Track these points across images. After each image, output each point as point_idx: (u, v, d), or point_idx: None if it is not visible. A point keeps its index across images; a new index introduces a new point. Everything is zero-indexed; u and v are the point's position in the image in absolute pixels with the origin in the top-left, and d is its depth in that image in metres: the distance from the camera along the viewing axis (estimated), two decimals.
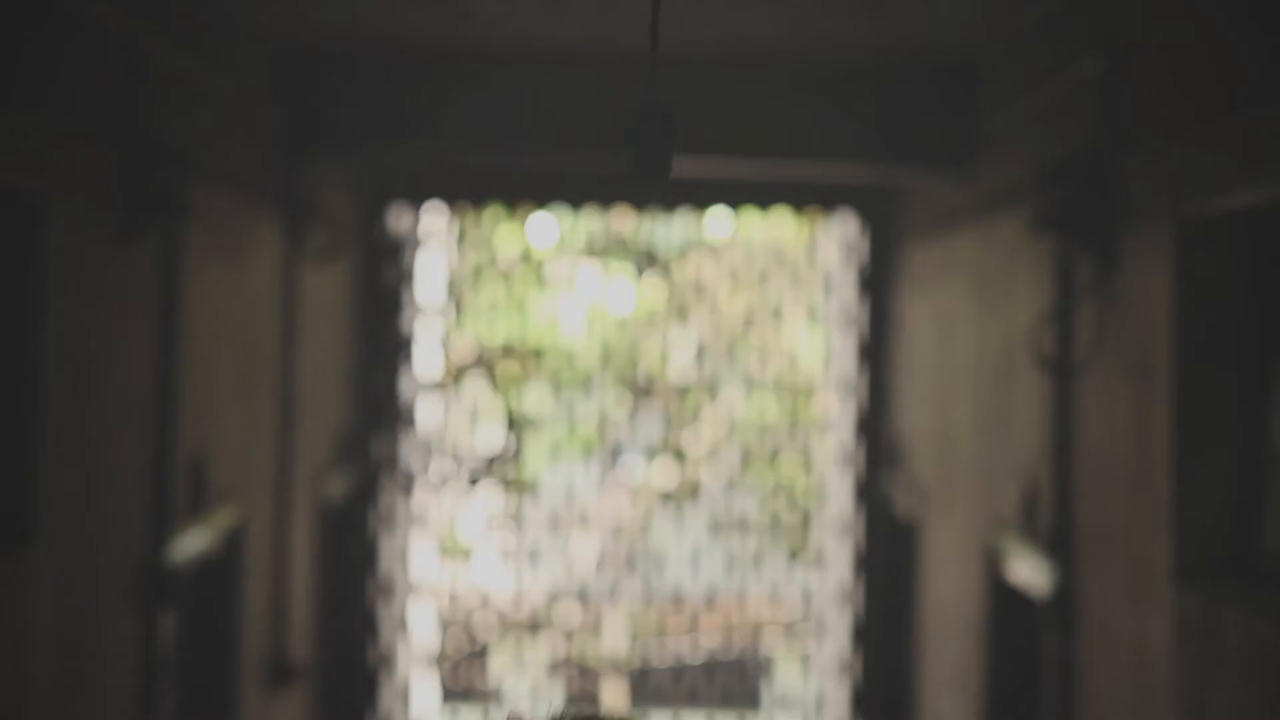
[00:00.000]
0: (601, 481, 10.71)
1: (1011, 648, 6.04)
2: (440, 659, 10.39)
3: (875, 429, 8.80)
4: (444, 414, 9.58)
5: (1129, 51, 4.77)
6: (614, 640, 11.43)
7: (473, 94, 6.72)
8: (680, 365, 10.19)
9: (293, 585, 7.07)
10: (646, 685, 11.80)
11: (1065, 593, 5.17)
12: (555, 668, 11.55)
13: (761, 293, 9.79)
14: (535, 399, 10.29)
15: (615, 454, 10.98)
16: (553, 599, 10.56)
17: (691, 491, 10.77)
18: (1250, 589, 4.07)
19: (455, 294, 9.56)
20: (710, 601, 10.11)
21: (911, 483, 7.93)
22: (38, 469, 4.25)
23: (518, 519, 9.90)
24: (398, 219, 8.83)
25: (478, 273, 9.62)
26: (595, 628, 11.28)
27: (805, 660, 10.05)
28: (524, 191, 8.61)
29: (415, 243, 8.99)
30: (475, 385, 10.17)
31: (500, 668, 11.92)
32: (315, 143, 6.78)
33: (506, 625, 10.64)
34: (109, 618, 4.87)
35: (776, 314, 9.80)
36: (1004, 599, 6.10)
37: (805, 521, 9.91)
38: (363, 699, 8.84)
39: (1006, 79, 6.12)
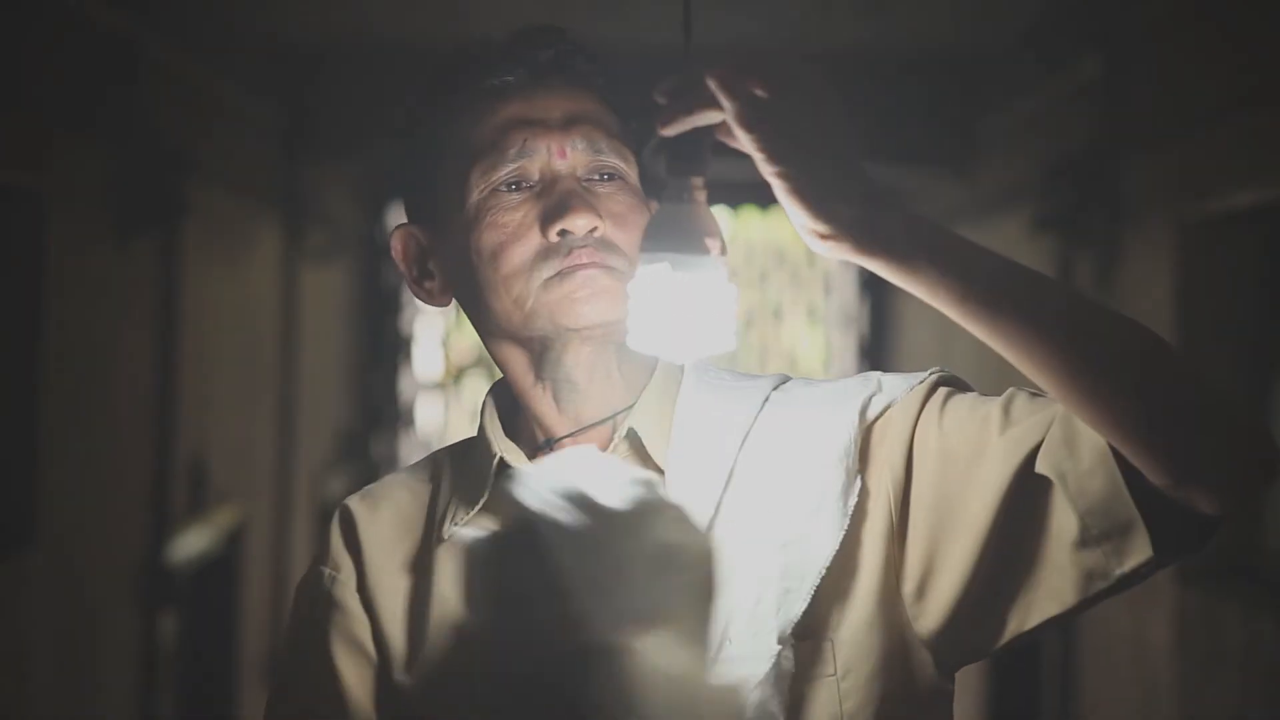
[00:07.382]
0: None
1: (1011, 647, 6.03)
2: None
3: None
4: (444, 414, 9.58)
5: (1129, 52, 4.77)
6: None
7: None
8: None
9: (293, 585, 7.06)
10: None
11: None
12: None
13: (761, 293, 9.80)
14: None
15: None
16: None
17: None
18: (1250, 589, 4.07)
19: None
20: None
21: None
22: (38, 469, 4.25)
23: None
24: (398, 219, 8.82)
25: None
26: None
27: None
28: None
29: None
30: (475, 385, 10.18)
31: None
32: (315, 143, 6.77)
33: None
34: (109, 618, 4.87)
35: (776, 314, 9.80)
36: None
37: None
38: None
39: (1006, 79, 6.11)
